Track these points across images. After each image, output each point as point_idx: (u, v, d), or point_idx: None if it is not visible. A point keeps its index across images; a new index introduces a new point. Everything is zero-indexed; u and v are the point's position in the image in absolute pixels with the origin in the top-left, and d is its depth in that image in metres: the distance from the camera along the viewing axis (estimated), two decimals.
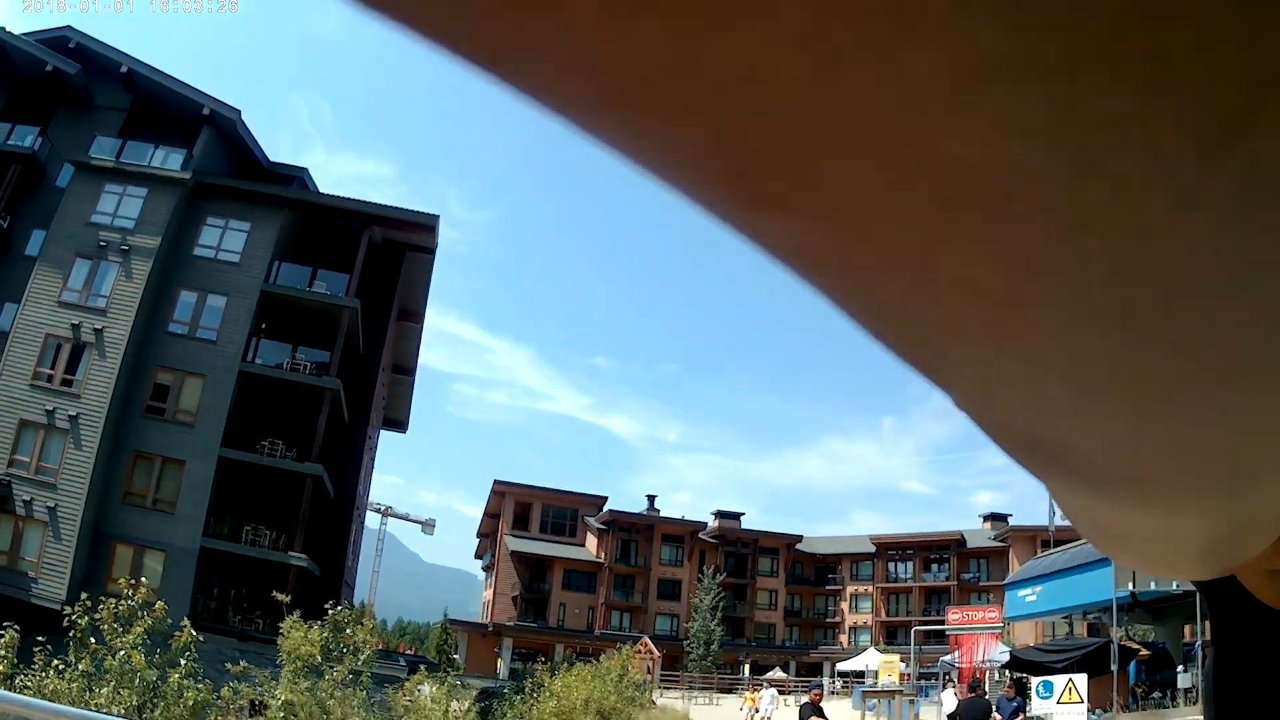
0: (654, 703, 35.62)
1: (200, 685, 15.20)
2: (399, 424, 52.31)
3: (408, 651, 58.86)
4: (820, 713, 13.55)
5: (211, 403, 32.25)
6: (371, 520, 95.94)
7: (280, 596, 19.64)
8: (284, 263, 35.45)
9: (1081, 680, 13.31)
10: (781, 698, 29.11)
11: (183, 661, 14.56)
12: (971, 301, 0.16)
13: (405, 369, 48.52)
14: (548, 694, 23.17)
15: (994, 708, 15.74)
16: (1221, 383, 0.16)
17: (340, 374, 35.08)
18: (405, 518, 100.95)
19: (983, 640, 23.54)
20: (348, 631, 19.08)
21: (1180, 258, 0.15)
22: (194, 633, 15.27)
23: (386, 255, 39.03)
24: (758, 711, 27.58)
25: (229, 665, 16.49)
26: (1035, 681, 15.70)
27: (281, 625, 18.34)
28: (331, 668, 17.83)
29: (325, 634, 18.66)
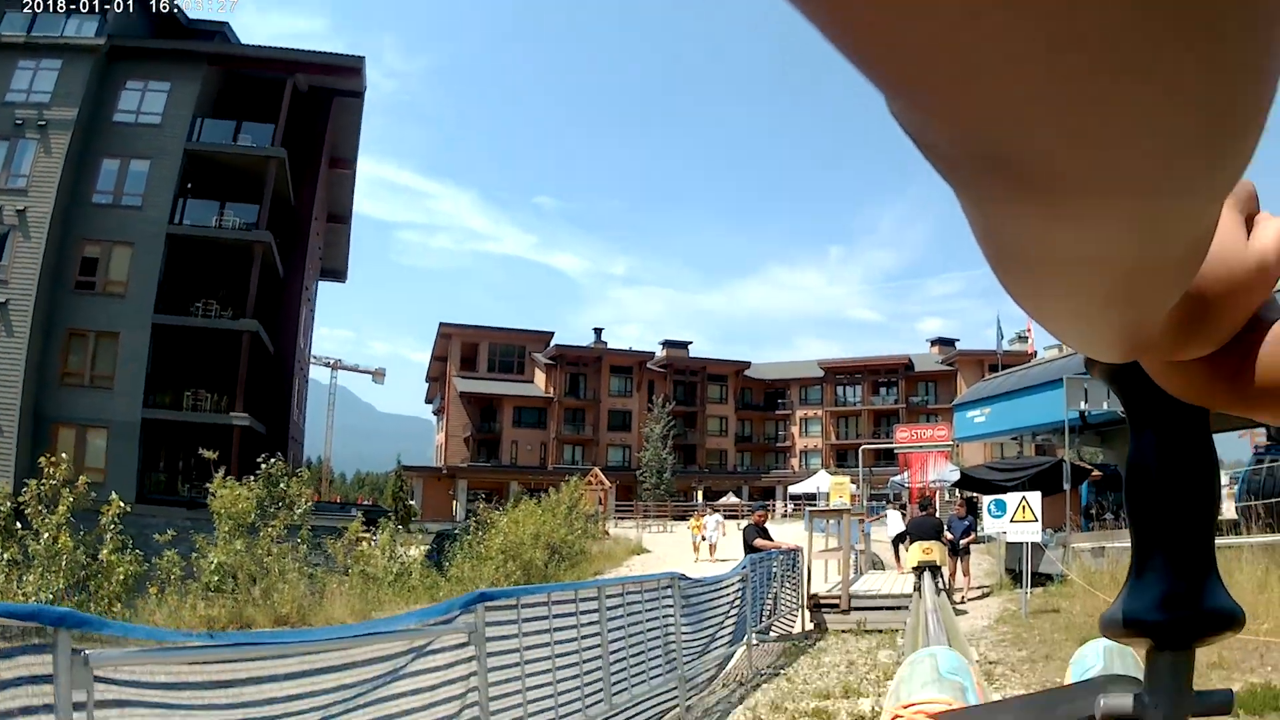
0: (607, 533, 35.83)
1: (128, 557, 14.68)
2: (338, 274, 51.43)
3: (365, 502, 58.81)
4: (765, 533, 13.13)
5: (141, 270, 31.45)
6: (322, 375, 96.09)
7: (207, 454, 18.92)
8: (207, 119, 34.44)
9: (1035, 498, 12.91)
10: (725, 523, 29.23)
11: (108, 537, 14.10)
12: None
13: (340, 217, 47.55)
14: (494, 531, 22.87)
15: (945, 525, 15.49)
16: (1128, 76, 0.17)
17: (271, 227, 34.20)
18: (355, 369, 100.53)
19: (932, 460, 23.31)
20: (282, 486, 18.51)
21: None
22: (123, 504, 14.59)
23: (313, 103, 37.96)
24: (704, 538, 27.62)
25: (158, 535, 15.79)
26: (986, 500, 15.37)
27: (210, 485, 17.70)
28: (268, 525, 17.31)
29: (259, 490, 18.10)
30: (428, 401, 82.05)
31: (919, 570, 13.45)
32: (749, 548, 12.22)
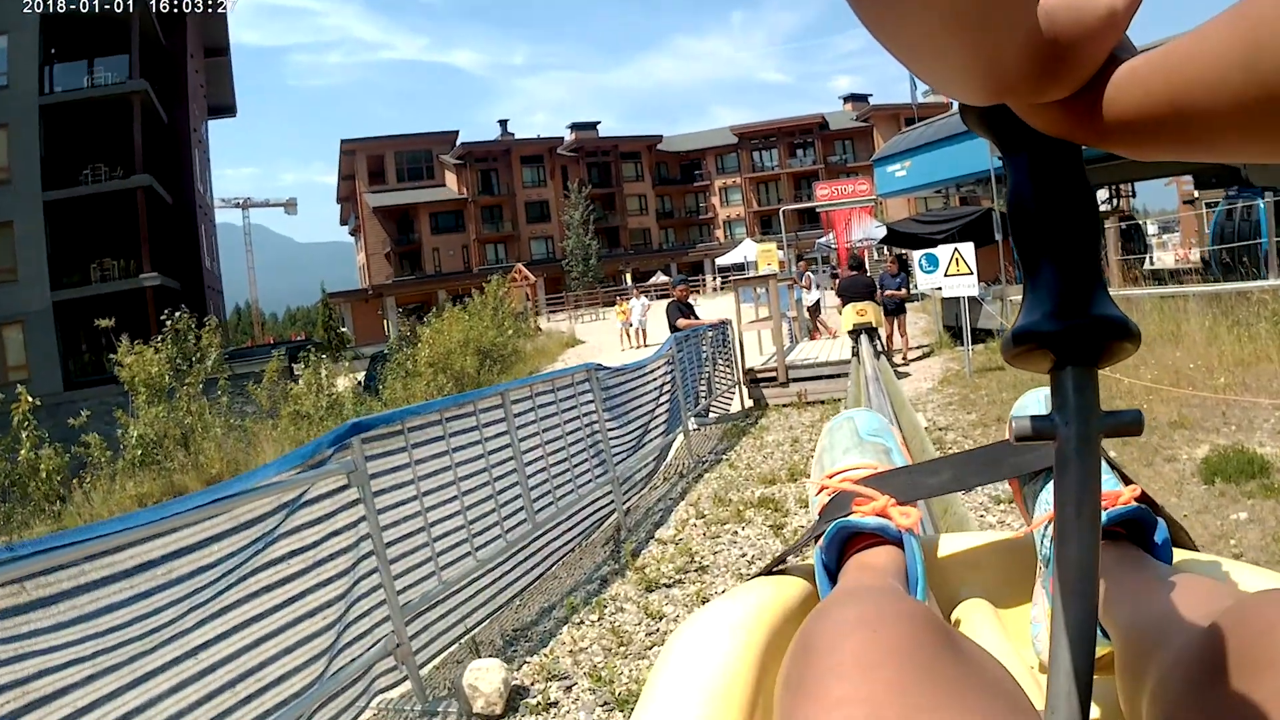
0: (539, 329, 35.44)
1: (47, 451, 13.86)
2: (227, 109, 49.39)
3: (297, 338, 57.54)
4: (689, 310, 12.51)
5: (21, 150, 29.85)
6: (234, 217, 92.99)
7: (103, 322, 17.77)
8: None
9: (968, 249, 12.38)
10: (653, 304, 28.47)
11: (24, 435, 13.61)
12: None
13: (218, 49, 44.91)
14: (420, 344, 22.18)
15: (878, 283, 15.02)
16: None
17: (147, 74, 32.51)
18: (265, 204, 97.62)
19: (856, 218, 22.63)
20: (190, 340, 17.52)
21: None
22: (31, 399, 13.94)
23: None
24: (631, 325, 26.96)
25: (71, 420, 14.94)
26: (917, 256, 14.86)
27: (114, 357, 16.66)
28: (183, 385, 16.43)
29: (167, 349, 17.09)
30: (343, 223, 79.73)
31: (855, 334, 13.05)
32: (673, 327, 11.59)
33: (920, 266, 14.50)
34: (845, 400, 9.38)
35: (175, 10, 33.88)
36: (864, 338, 12.52)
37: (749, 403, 12.56)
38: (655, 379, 8.71)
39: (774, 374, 12.55)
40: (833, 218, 23.28)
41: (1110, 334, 0.46)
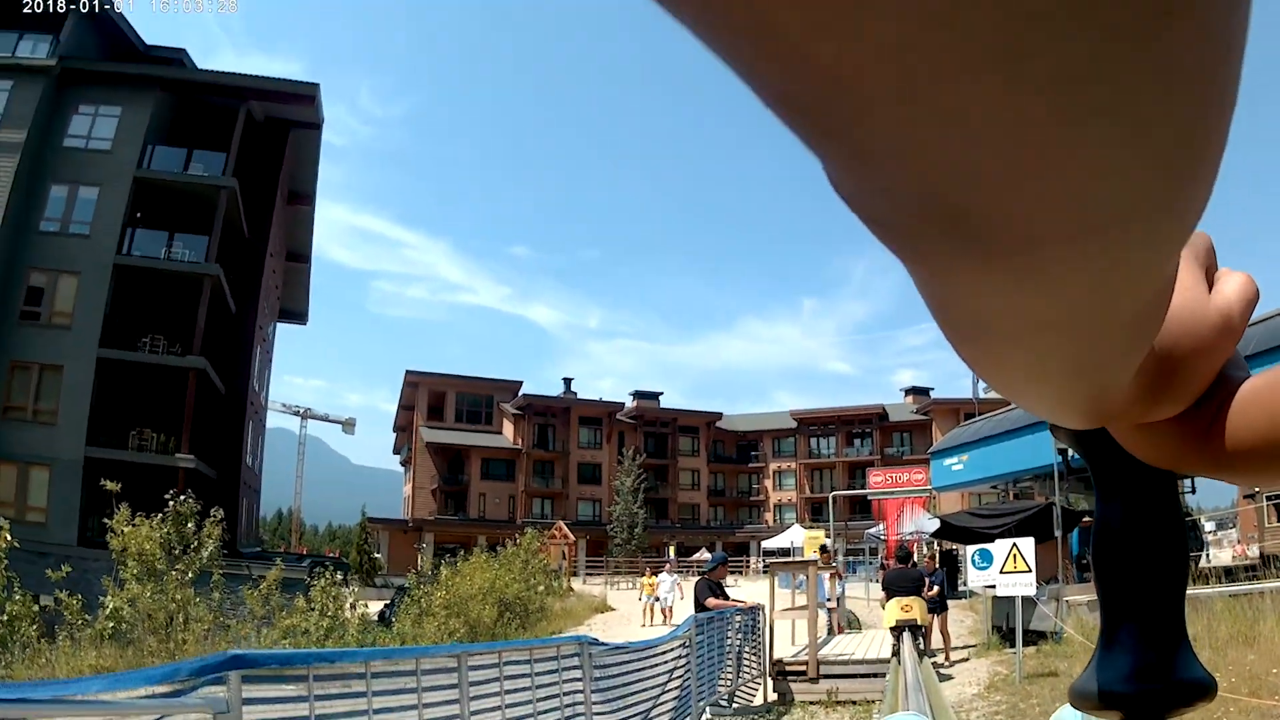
0: (571, 590, 34.40)
1: (17, 598, 13.50)
2: (297, 315, 50.37)
3: (331, 554, 56.83)
4: (719, 590, 11.45)
5: (88, 301, 30.22)
6: (292, 424, 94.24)
7: (109, 485, 17.19)
8: (159, 147, 33.25)
9: (1028, 545, 11.41)
10: (685, 583, 26.99)
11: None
12: (882, 54, 0.15)
13: (299, 255, 46.58)
14: (438, 586, 21.25)
15: (926, 579, 13.91)
16: (1087, 119, 0.16)
17: (224, 261, 33.02)
18: (325, 418, 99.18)
19: (909, 509, 21.81)
20: (189, 526, 16.85)
21: None
22: (9, 538, 13.48)
23: (269, 134, 37.10)
24: (657, 600, 25.05)
25: (50, 571, 14.36)
26: (969, 551, 13.84)
27: (109, 522, 16.05)
28: (172, 569, 15.71)
29: (164, 530, 16.42)
30: (395, 452, 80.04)
31: (897, 630, 11.87)
32: (699, 606, 10.56)
33: (972, 562, 13.47)
34: (882, 703, 8.25)
35: (274, 123, 35.53)
36: (906, 634, 11.35)
37: (773, 696, 11.30)
38: (665, 661, 7.65)
39: (804, 668, 11.34)
40: (885, 508, 22.50)
41: (1188, 697, 0.45)
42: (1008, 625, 14.56)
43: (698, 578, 12.54)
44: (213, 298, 32.65)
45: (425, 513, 61.86)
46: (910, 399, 69.86)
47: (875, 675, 10.91)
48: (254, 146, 35.40)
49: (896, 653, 11.08)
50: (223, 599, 16.39)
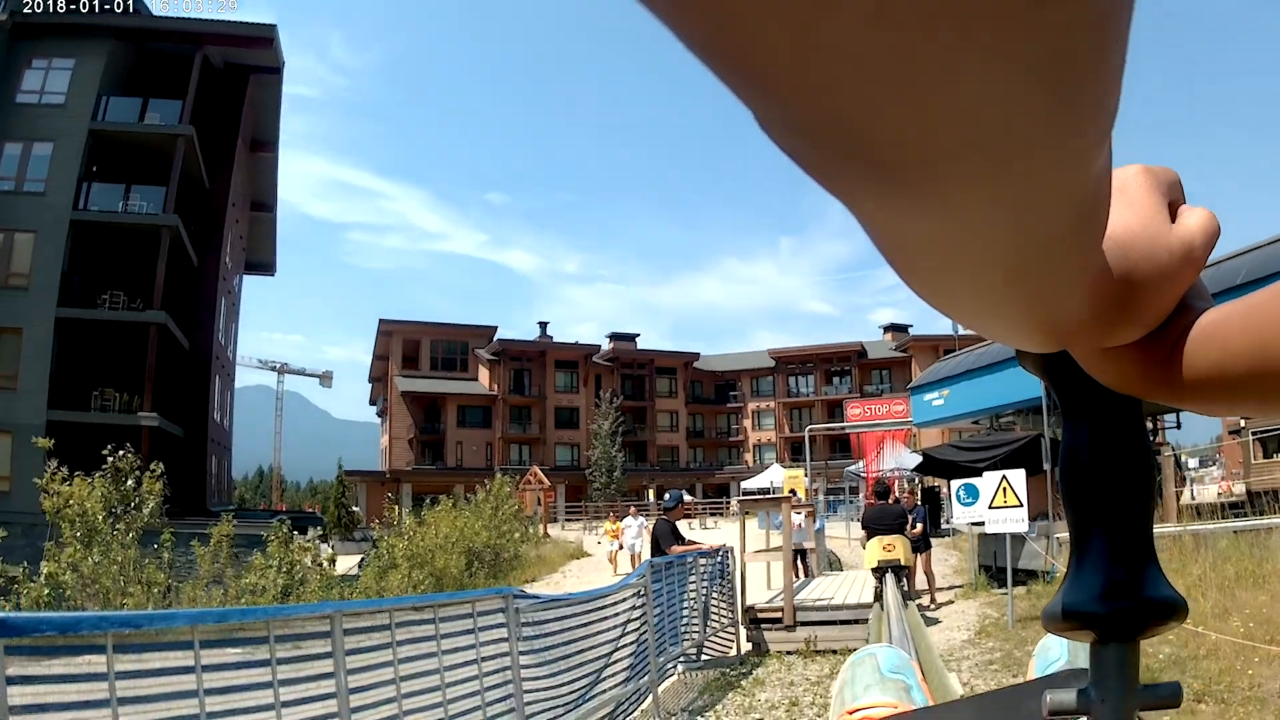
0: (547, 536, 33.91)
1: None
2: (264, 266, 49.42)
3: (310, 509, 56.07)
4: (676, 533, 10.43)
5: (44, 260, 29.30)
6: (271, 380, 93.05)
7: (41, 442, 16.18)
8: (114, 98, 32.10)
9: (1019, 477, 10.60)
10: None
11: None
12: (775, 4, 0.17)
13: (264, 205, 45.29)
14: (400, 536, 20.46)
15: (908, 513, 13.05)
16: (957, 49, 0.17)
17: (183, 212, 31.99)
18: (302, 373, 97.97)
19: (889, 444, 20.86)
20: (129, 483, 15.91)
21: None
22: None
23: (228, 80, 36.14)
24: (620, 547, 23.44)
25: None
26: (954, 486, 13.03)
27: (38, 482, 15.06)
28: (113, 530, 14.79)
29: (103, 487, 15.49)
30: (372, 403, 79.10)
31: (879, 571, 11.05)
32: (657, 550, 9.65)
33: (957, 497, 12.71)
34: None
35: (234, 69, 34.58)
36: (889, 576, 10.52)
37: (747, 646, 10.48)
38: (616, 614, 6.77)
39: (779, 615, 10.48)
40: (864, 443, 21.36)
41: (1158, 615, 0.46)
42: (995, 564, 13.82)
43: (656, 518, 11.68)
44: (173, 250, 31.65)
45: (403, 463, 61.12)
46: (889, 336, 69.25)
47: (857, 621, 10.06)
48: (212, 93, 34.32)
49: (879, 596, 10.27)
50: (173, 559, 15.48)
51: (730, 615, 10.74)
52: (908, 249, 0.28)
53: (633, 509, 25.88)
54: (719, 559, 10.58)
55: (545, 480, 41.77)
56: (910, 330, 67.76)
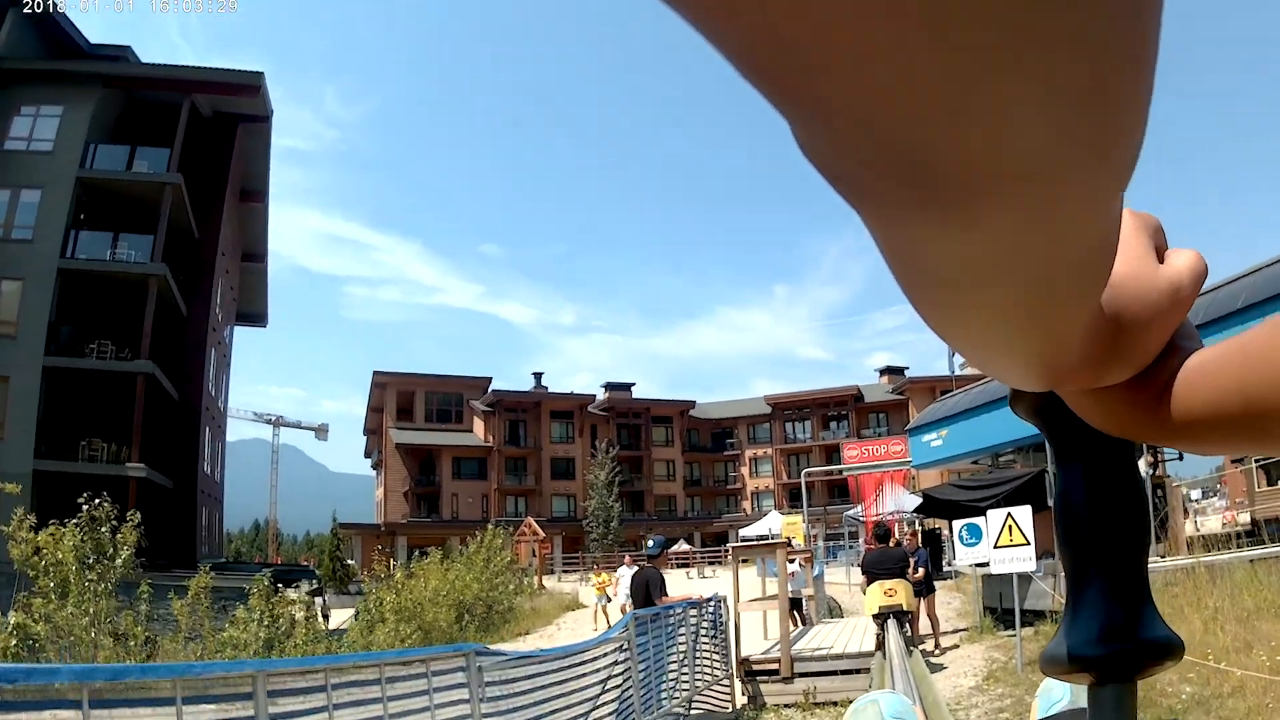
0: (542, 588, 33.35)
1: None
2: (256, 317, 48.83)
3: (306, 563, 55.27)
4: (660, 584, 9.73)
5: (32, 308, 28.95)
6: (266, 433, 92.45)
7: (9, 488, 15.69)
8: (101, 145, 31.85)
9: (1025, 514, 10.18)
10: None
11: None
12: (834, 25, 0.17)
13: (255, 255, 44.96)
14: (388, 589, 19.91)
15: (909, 556, 12.55)
16: (1011, 76, 0.18)
17: (172, 261, 31.82)
18: (297, 425, 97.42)
19: (888, 487, 20.25)
20: (104, 531, 15.45)
21: None
22: None
23: (216, 130, 35.96)
24: (609, 600, 21.12)
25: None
26: (956, 527, 12.61)
27: (6, 529, 14.57)
28: (84, 581, 14.27)
29: (75, 537, 15.02)
30: (366, 455, 78.38)
31: (881, 618, 10.57)
32: (644, 600, 9.03)
33: (960, 539, 12.26)
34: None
35: (222, 118, 34.36)
36: (891, 622, 10.04)
37: (742, 699, 9.94)
38: (596, 671, 6.25)
39: (776, 666, 9.96)
40: (862, 486, 20.67)
41: (1154, 656, 0.46)
42: (1001, 605, 13.34)
43: (637, 568, 11.17)
44: (161, 299, 31.39)
45: (398, 516, 60.47)
46: (885, 379, 68.88)
47: (858, 671, 9.57)
48: (200, 142, 34.18)
49: (881, 644, 9.81)
50: (151, 612, 14.94)
51: (725, 668, 10.19)
52: (925, 270, 0.28)
53: (628, 558, 24.59)
54: (711, 608, 10.06)
55: (540, 531, 41.15)
56: (906, 373, 67.43)
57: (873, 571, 11.40)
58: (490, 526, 27.42)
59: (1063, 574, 0.47)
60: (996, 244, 0.25)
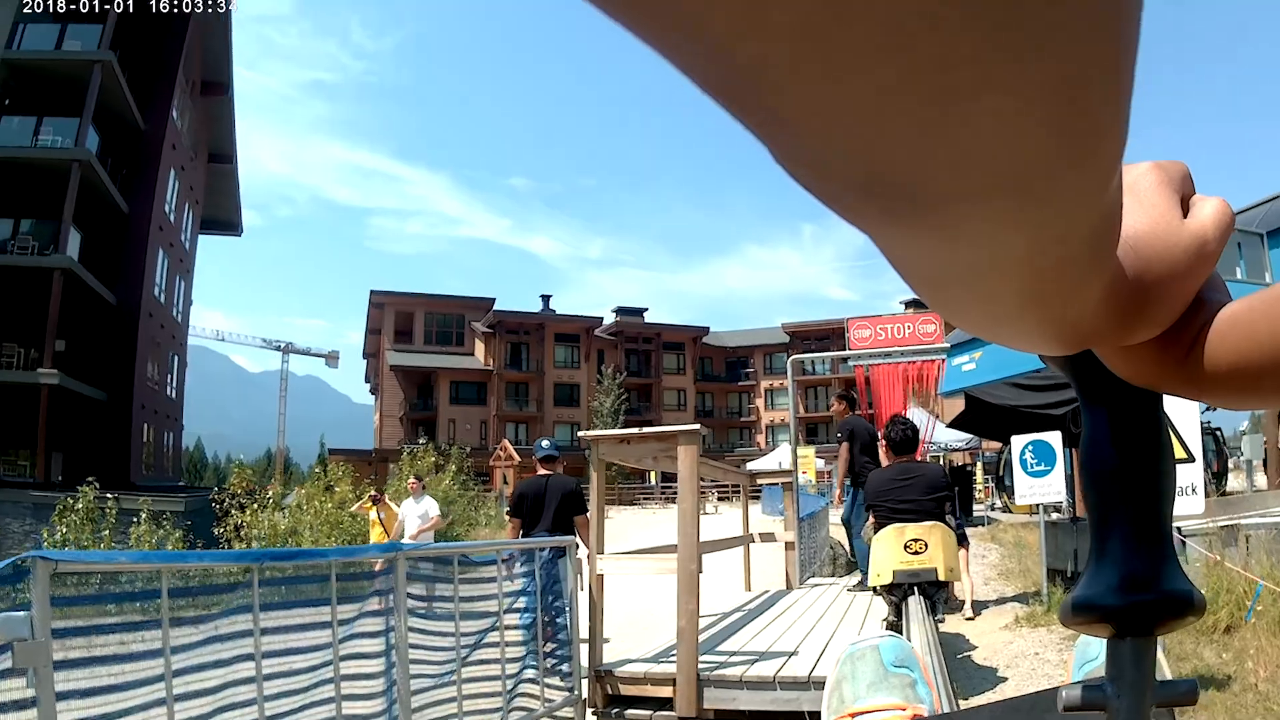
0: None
1: None
2: (228, 225, 45.45)
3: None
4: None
5: None
6: (274, 360, 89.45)
7: None
8: (30, 25, 28.93)
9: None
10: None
11: None
12: (793, 50, 0.17)
13: (222, 155, 41.66)
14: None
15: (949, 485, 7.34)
16: (973, 93, 0.18)
17: (114, 154, 29.33)
18: (307, 352, 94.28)
19: (911, 388, 12.58)
20: None
21: None
22: None
23: (167, 19, 31.84)
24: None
25: None
26: (1017, 447, 8.16)
27: None
28: None
29: None
30: (366, 380, 74.87)
31: (896, 590, 5.75)
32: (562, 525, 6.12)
33: (1022, 464, 7.92)
34: None
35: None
36: (915, 601, 5.44)
37: None
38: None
39: (670, 685, 4.85)
40: (878, 397, 12.85)
41: (1174, 610, 0.46)
42: (1076, 567, 8.96)
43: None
44: (90, 189, 28.30)
45: (393, 442, 56.71)
46: (909, 311, 64.14)
47: (810, 688, 4.83)
48: (145, 28, 30.84)
49: (895, 627, 5.25)
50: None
51: (567, 686, 5.28)
52: (925, 275, 0.28)
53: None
54: (549, 565, 5.30)
55: (515, 455, 37.44)
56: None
57: (884, 505, 6.09)
58: (411, 449, 25.87)
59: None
60: (983, 249, 0.25)
